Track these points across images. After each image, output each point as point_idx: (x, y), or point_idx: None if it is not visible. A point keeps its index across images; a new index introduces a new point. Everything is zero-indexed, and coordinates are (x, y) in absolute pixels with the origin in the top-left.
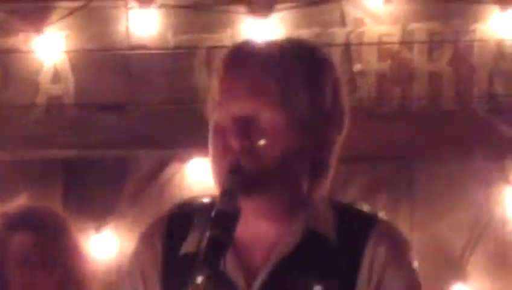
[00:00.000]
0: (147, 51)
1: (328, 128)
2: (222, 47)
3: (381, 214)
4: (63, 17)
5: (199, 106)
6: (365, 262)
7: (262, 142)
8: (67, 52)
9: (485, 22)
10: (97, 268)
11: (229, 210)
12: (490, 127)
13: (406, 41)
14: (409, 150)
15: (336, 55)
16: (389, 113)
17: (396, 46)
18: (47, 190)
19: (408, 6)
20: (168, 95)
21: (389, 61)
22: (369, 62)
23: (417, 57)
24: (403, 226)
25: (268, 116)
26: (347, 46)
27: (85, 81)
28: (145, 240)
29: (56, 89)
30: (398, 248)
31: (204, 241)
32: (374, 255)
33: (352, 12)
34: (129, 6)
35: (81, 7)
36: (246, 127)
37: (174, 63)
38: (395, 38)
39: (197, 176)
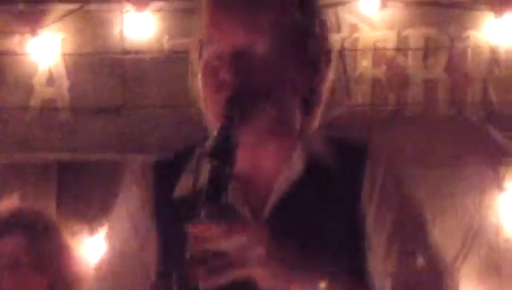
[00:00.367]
0: (142, 55)
1: (316, 65)
2: None
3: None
4: (58, 19)
5: (193, 109)
6: (366, 184)
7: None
8: (62, 55)
9: (480, 29)
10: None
11: (229, 136)
12: (484, 133)
13: (401, 48)
14: (403, 156)
15: None
16: (384, 118)
17: (391, 52)
18: (41, 192)
19: (403, 12)
20: (163, 98)
21: (383, 67)
22: (364, 68)
23: (412, 63)
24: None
25: (261, 48)
26: (342, 52)
27: (79, 84)
28: (133, 186)
29: (50, 92)
30: (392, 169)
31: (204, 177)
32: (372, 176)
33: (347, 18)
34: (124, 10)
35: (77, 10)
36: (238, 59)
37: (169, 67)
38: (390, 44)
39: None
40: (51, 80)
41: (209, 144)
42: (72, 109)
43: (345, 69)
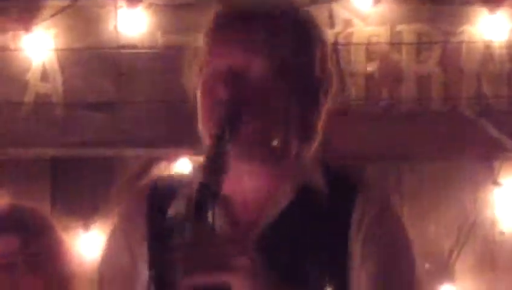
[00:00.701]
0: (136, 50)
1: (316, 90)
2: None
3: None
4: (52, 15)
5: (187, 105)
6: (353, 222)
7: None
8: (56, 50)
9: (474, 24)
10: (85, 267)
11: (218, 154)
12: (478, 129)
13: (395, 43)
14: (397, 151)
15: None
16: (377, 113)
17: (385, 47)
18: (35, 188)
19: (397, 7)
20: (157, 94)
21: (377, 62)
22: (358, 63)
23: (405, 58)
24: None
25: (257, 67)
26: (335, 46)
27: (73, 79)
28: (128, 214)
29: (44, 88)
30: (384, 207)
31: (193, 197)
32: (361, 215)
33: (340, 13)
34: (117, 5)
35: (70, 6)
36: (234, 78)
37: (163, 62)
38: (384, 39)
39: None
40: (45, 75)
41: (200, 164)
42: (66, 104)
43: (338, 64)
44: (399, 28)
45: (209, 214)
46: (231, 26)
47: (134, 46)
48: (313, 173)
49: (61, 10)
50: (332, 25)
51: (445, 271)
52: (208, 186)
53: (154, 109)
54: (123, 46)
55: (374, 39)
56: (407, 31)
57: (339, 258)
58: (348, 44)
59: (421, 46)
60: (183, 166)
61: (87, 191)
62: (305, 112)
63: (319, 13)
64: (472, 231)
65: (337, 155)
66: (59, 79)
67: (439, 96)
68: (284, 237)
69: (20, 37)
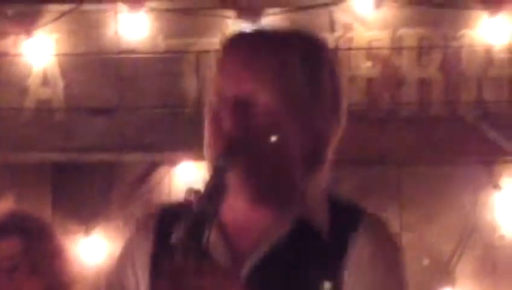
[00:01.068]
0: (137, 55)
1: (325, 120)
2: (212, 51)
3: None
4: (53, 20)
5: (188, 110)
6: (351, 256)
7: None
8: (57, 55)
9: (474, 28)
10: (86, 271)
11: (216, 184)
12: (479, 133)
13: (395, 47)
14: (397, 155)
15: None
16: (378, 117)
17: (386, 52)
18: (36, 193)
19: (397, 11)
20: (158, 99)
21: (378, 67)
22: (358, 67)
23: (406, 63)
24: (392, 230)
25: (263, 98)
26: (336, 51)
27: (74, 84)
28: (139, 232)
29: (45, 93)
30: (385, 246)
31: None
32: (360, 251)
33: (341, 17)
34: (119, 10)
35: (71, 11)
36: (240, 107)
37: (164, 67)
38: (384, 44)
39: (186, 180)
40: (45, 80)
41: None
42: (67, 109)
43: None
44: (400, 32)
45: (204, 241)
46: (239, 54)
47: (135, 51)
48: (316, 207)
49: (62, 15)
50: (332, 29)
51: (445, 275)
52: (203, 213)
53: (156, 114)
54: (124, 51)
55: (375, 43)
56: (408, 35)
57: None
58: (348, 48)
59: (421, 50)
60: (184, 171)
61: (88, 196)
62: (313, 141)
63: (320, 17)
64: (472, 235)
65: (337, 159)
66: (60, 84)
67: (440, 100)
68: (276, 270)
69: (21, 42)
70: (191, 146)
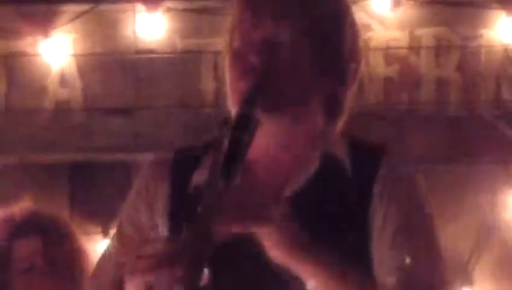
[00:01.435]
0: (154, 55)
1: (344, 66)
2: None
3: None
4: (71, 20)
5: (206, 109)
6: (375, 195)
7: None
8: (75, 56)
9: (492, 27)
10: None
11: (249, 114)
12: (497, 133)
13: (413, 47)
14: (415, 155)
15: None
16: (396, 118)
17: (404, 51)
18: (54, 194)
19: (415, 11)
20: (175, 99)
21: (396, 66)
22: (377, 67)
23: (424, 62)
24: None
25: (286, 34)
26: None
27: (92, 85)
28: (153, 173)
29: (63, 93)
30: (404, 181)
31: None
32: (382, 189)
33: (359, 17)
34: (136, 10)
35: (89, 11)
36: (265, 45)
37: (181, 67)
38: (403, 44)
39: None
40: (63, 81)
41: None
42: (85, 109)
43: None
44: (418, 32)
45: (240, 166)
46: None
47: (152, 51)
48: (337, 144)
49: (80, 15)
50: None
51: (464, 275)
52: (240, 140)
53: (174, 114)
54: (142, 51)
55: (393, 43)
56: (426, 35)
57: (363, 221)
58: (366, 48)
59: (439, 50)
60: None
61: (106, 197)
62: (333, 87)
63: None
64: (491, 235)
65: None
66: (78, 84)
67: (458, 100)
68: (311, 202)
69: (39, 43)
70: None
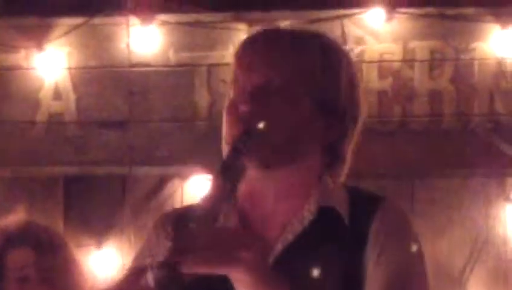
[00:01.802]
0: (148, 68)
1: (343, 117)
2: (223, 64)
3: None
4: (64, 34)
5: (200, 123)
6: (371, 235)
7: (261, 125)
8: (69, 69)
9: (486, 40)
10: (98, 284)
11: (233, 164)
12: (490, 145)
13: (407, 60)
14: (409, 168)
15: None
16: (390, 130)
17: (397, 64)
18: (48, 206)
19: (409, 24)
20: (169, 112)
21: (389, 79)
22: (370, 80)
23: (418, 75)
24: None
25: (276, 84)
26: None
27: (86, 98)
28: (157, 230)
29: (57, 106)
30: (401, 222)
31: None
32: (379, 227)
33: (353, 30)
34: (130, 23)
35: (83, 24)
36: (257, 93)
37: (175, 80)
38: (396, 57)
39: (198, 193)
40: (57, 94)
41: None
42: (79, 122)
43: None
44: (411, 45)
45: (217, 217)
46: (255, 47)
47: (146, 64)
48: (335, 194)
49: (74, 29)
50: (344, 42)
51: (458, 287)
52: (220, 191)
53: (167, 127)
54: (136, 64)
55: (386, 56)
56: (419, 48)
57: (354, 271)
58: (360, 61)
59: (433, 63)
60: (195, 183)
61: (100, 209)
62: (332, 137)
63: (331, 30)
64: (484, 248)
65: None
66: (72, 97)
67: (452, 113)
68: (304, 254)
69: (33, 56)
70: (202, 159)
